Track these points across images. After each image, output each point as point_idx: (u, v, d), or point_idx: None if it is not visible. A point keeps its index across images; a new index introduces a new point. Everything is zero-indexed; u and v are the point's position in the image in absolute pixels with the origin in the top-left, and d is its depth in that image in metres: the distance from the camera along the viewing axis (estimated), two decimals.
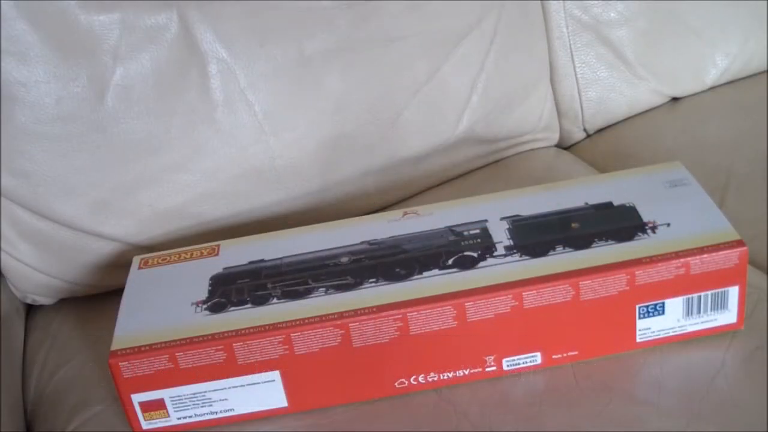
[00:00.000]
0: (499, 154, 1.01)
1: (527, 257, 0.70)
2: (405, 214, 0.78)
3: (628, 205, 0.74)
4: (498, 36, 0.94)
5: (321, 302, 0.69)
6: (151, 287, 0.73)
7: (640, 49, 1.04)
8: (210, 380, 0.68)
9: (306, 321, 0.67)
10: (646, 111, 1.09)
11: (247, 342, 0.67)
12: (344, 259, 0.73)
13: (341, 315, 0.67)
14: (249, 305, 0.70)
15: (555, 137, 1.06)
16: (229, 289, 0.72)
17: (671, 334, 0.71)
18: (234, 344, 0.67)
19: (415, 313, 0.67)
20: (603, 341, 0.71)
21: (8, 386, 0.78)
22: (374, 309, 0.67)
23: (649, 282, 0.68)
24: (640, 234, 0.71)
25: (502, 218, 0.75)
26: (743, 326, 0.72)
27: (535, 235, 0.72)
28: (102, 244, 0.84)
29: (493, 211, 0.76)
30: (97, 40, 0.77)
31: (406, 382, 0.70)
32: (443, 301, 0.67)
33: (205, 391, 0.69)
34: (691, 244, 0.69)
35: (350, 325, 0.67)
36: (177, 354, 0.67)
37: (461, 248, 0.72)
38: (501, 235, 0.73)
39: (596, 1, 1.02)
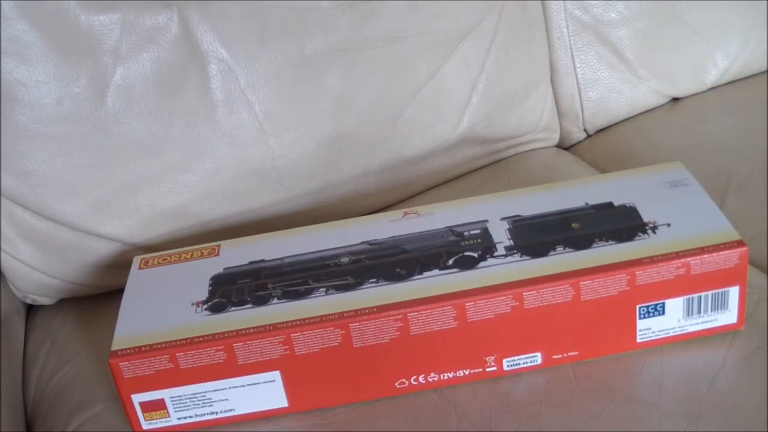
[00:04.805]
0: (499, 154, 1.01)
1: (527, 257, 0.70)
2: (405, 214, 0.78)
3: (628, 205, 0.74)
4: (498, 36, 0.94)
5: (321, 302, 0.69)
6: (152, 287, 0.73)
7: (641, 49, 1.04)
8: (210, 380, 0.68)
9: (306, 321, 0.67)
10: (647, 111, 1.09)
11: (248, 342, 0.67)
12: (344, 259, 0.73)
13: (341, 315, 0.67)
14: (249, 305, 0.70)
15: (555, 137, 1.06)
16: (230, 290, 0.72)
17: (671, 334, 0.71)
18: (234, 344, 0.67)
19: (416, 313, 0.67)
20: (603, 341, 0.71)
21: (8, 386, 0.78)
22: (374, 309, 0.67)
23: (650, 282, 0.68)
24: (640, 234, 0.71)
25: (503, 218, 0.75)
26: (743, 326, 0.72)
27: (536, 236, 0.72)
28: (102, 244, 0.84)
29: (493, 211, 0.76)
30: (97, 40, 0.77)
31: (407, 383, 0.70)
32: (443, 301, 0.67)
33: (206, 392, 0.69)
34: (691, 245, 0.69)
35: (350, 325, 0.67)
36: (177, 354, 0.67)
37: (462, 248, 0.72)
38: (501, 236, 0.73)
39: (596, 2, 1.02)
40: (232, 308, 0.70)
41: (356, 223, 0.78)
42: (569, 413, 0.67)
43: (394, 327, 0.67)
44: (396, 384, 0.70)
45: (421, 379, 0.70)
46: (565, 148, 1.08)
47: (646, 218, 0.72)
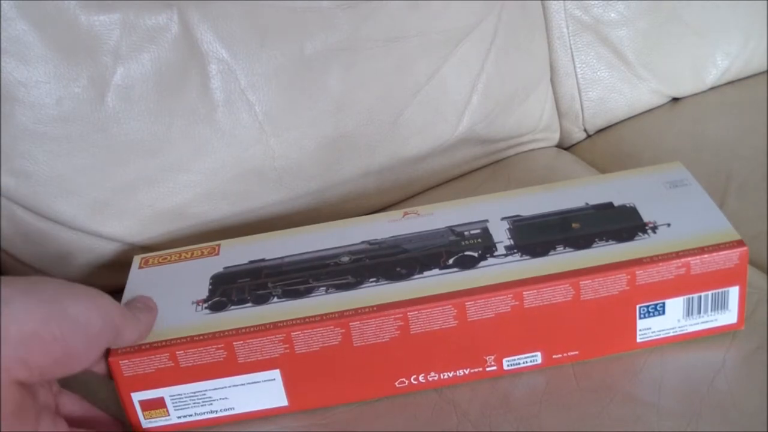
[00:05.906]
0: (499, 154, 1.01)
1: (528, 257, 0.70)
2: (405, 214, 0.78)
3: (628, 205, 0.74)
4: (498, 36, 0.94)
5: (321, 301, 0.69)
6: (152, 287, 0.73)
7: (641, 49, 1.04)
8: (210, 379, 0.68)
9: (306, 320, 0.67)
10: (647, 111, 1.09)
11: (248, 341, 0.67)
12: (345, 259, 0.73)
13: (342, 314, 0.67)
14: (249, 304, 0.70)
15: (555, 137, 1.06)
16: (230, 288, 0.72)
17: (672, 334, 0.71)
18: (234, 343, 0.67)
19: (416, 312, 0.67)
20: (603, 341, 0.71)
21: None
22: (375, 308, 0.67)
23: (650, 282, 0.68)
24: (640, 234, 0.71)
25: (503, 218, 0.75)
26: (743, 326, 0.72)
27: (536, 235, 0.72)
28: (102, 244, 0.84)
29: (493, 211, 0.76)
30: (97, 40, 0.77)
31: (407, 382, 0.70)
32: (444, 301, 0.67)
33: (206, 390, 0.69)
34: (691, 244, 0.69)
35: (351, 324, 0.67)
36: (177, 352, 0.67)
37: (462, 248, 0.72)
38: (501, 235, 0.73)
39: (596, 1, 1.02)
40: (232, 307, 0.70)
41: (356, 223, 0.78)
42: (569, 413, 0.67)
43: (395, 326, 0.67)
44: (396, 383, 0.70)
45: (421, 378, 0.70)
46: (565, 148, 1.08)
47: (646, 218, 0.72)
